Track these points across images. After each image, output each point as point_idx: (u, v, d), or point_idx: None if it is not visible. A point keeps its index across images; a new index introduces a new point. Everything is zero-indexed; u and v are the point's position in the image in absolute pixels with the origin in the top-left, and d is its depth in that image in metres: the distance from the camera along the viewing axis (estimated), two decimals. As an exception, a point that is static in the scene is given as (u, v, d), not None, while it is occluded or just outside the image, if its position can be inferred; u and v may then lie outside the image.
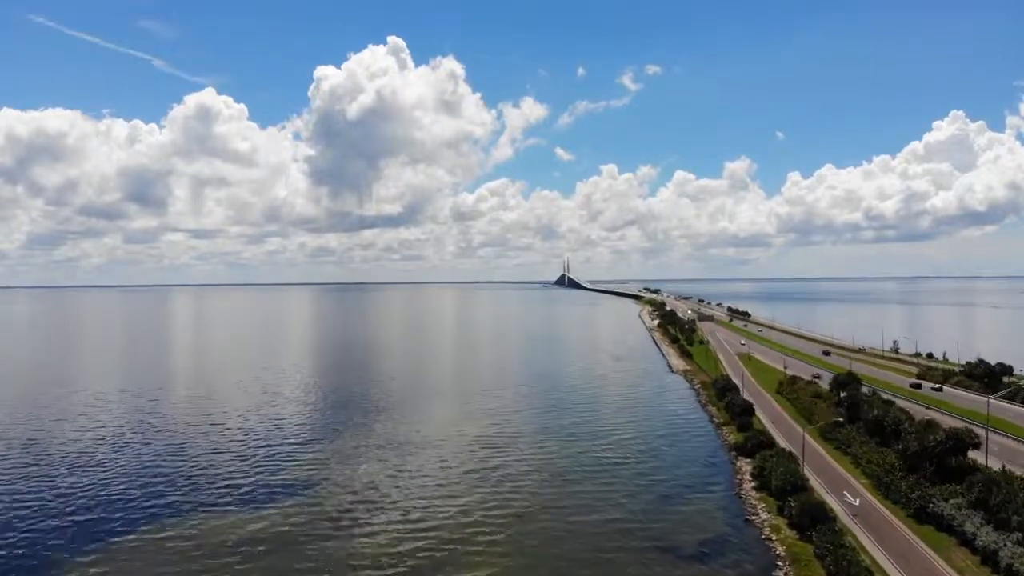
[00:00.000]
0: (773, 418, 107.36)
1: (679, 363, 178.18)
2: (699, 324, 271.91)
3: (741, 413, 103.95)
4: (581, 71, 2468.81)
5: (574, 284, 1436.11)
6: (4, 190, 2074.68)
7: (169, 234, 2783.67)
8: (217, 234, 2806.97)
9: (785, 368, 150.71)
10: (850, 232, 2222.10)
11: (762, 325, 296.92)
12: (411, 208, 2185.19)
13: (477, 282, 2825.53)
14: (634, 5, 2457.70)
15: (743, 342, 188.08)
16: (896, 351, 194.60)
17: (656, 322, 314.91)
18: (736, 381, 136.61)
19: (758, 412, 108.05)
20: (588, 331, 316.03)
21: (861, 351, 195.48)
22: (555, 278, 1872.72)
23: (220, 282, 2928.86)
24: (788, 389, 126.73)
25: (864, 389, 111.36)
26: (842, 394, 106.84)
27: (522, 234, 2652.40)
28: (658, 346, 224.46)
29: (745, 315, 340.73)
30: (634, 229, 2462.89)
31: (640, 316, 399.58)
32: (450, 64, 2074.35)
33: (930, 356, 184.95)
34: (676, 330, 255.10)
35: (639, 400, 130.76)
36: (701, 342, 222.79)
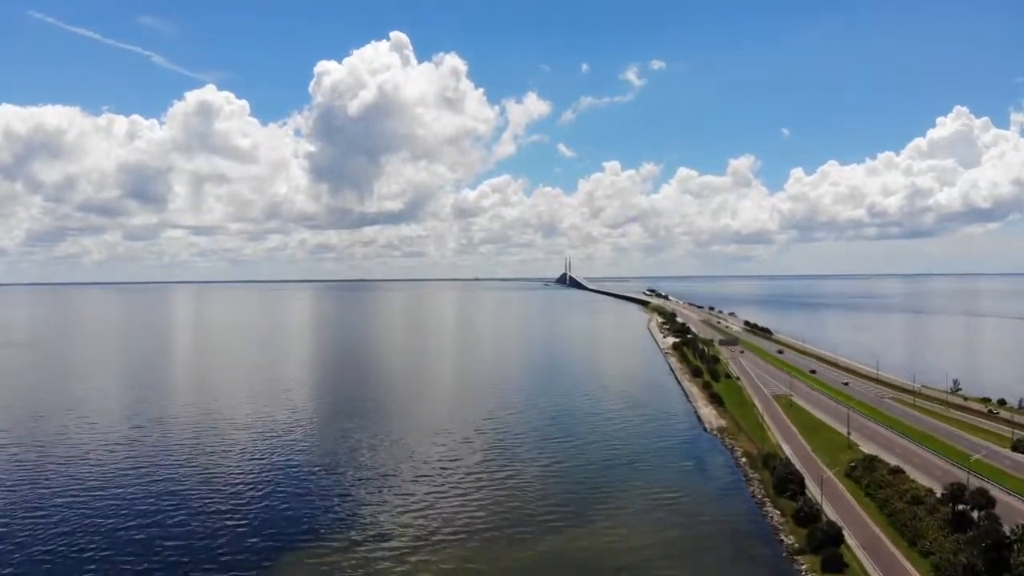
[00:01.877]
0: (866, 542, 78.71)
1: (710, 413, 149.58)
2: (720, 348, 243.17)
3: (824, 541, 75.56)
4: (585, 67, 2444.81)
5: (575, 284, 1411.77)
6: (3, 187, 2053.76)
7: (169, 231, 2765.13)
8: (217, 231, 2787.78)
9: (849, 434, 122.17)
10: (853, 229, 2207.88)
11: (789, 347, 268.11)
12: (412, 205, 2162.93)
13: (478, 279, 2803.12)
14: (638, 0, 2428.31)
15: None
16: (958, 391, 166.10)
17: (670, 341, 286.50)
18: (795, 459, 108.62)
19: (845, 533, 79.46)
20: (594, 352, 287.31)
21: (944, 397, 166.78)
22: (556, 275, 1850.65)
23: (221, 279, 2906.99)
24: (866, 476, 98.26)
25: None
26: (962, 509, 78.47)
27: (523, 231, 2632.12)
28: (678, 380, 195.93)
29: (766, 332, 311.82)
30: (636, 226, 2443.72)
31: (649, 328, 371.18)
32: (452, 60, 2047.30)
33: (1002, 403, 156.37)
34: (696, 358, 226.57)
35: (670, 489, 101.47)
36: (728, 375, 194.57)
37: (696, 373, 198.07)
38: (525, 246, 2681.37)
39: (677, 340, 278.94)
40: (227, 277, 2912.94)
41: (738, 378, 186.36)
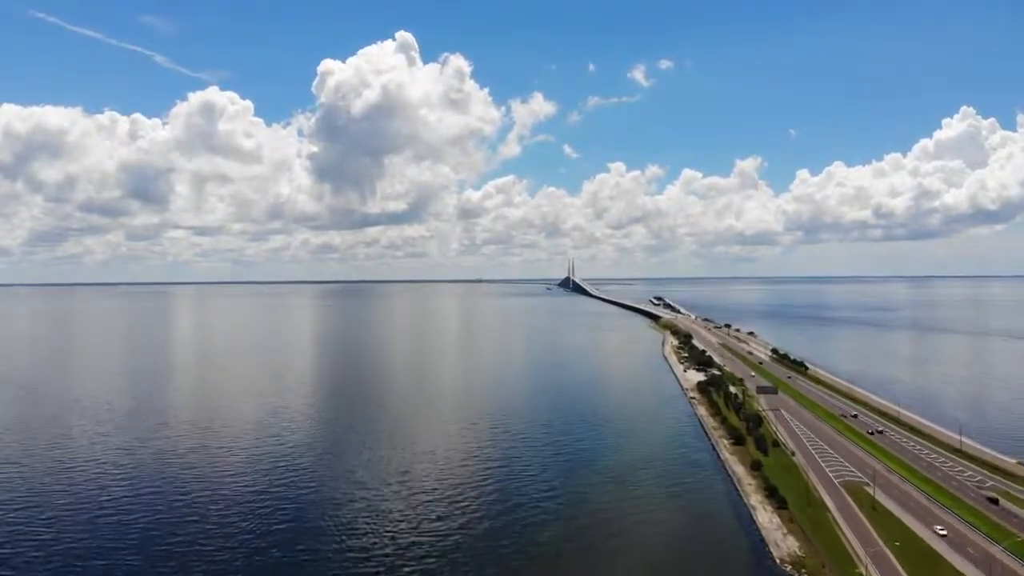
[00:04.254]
0: None
1: (772, 522, 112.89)
2: (759, 397, 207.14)
3: None
4: (592, 67, 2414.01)
5: (579, 289, 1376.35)
6: (4, 186, 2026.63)
7: (171, 231, 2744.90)
8: (220, 231, 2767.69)
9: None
10: (858, 230, 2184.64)
11: (830, 388, 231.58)
12: (416, 205, 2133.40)
13: (480, 280, 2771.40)
14: (647, 0, 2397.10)
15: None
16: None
17: (693, 378, 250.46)
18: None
19: None
20: (604, 392, 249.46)
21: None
22: (558, 276, 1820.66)
23: (223, 279, 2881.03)
24: None
25: None
26: None
27: (527, 231, 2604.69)
28: (714, 448, 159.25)
29: (800, 366, 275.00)
30: (640, 227, 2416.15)
31: (665, 356, 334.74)
32: (457, 61, 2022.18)
33: None
34: (730, 410, 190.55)
35: None
36: (776, 443, 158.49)
37: (737, 439, 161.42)
38: (528, 247, 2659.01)
39: (703, 379, 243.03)
40: (230, 278, 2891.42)
41: (794, 453, 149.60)
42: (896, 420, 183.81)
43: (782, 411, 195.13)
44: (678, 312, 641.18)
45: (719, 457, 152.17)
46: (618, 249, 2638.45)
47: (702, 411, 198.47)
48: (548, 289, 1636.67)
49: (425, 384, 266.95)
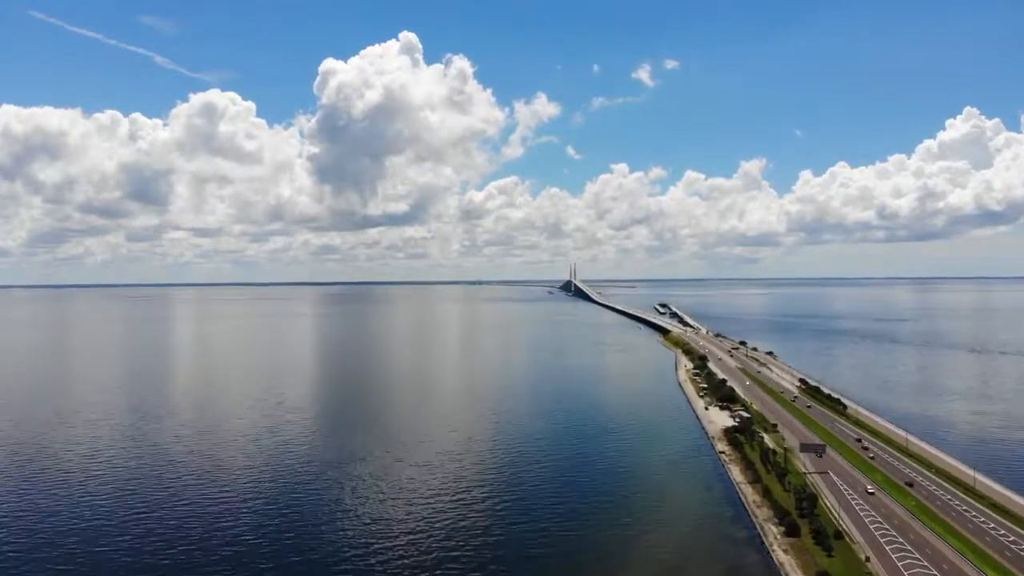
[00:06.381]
0: None
1: None
2: (804, 458, 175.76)
3: None
4: (596, 67, 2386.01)
5: (580, 293, 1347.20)
6: (3, 187, 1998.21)
7: (172, 232, 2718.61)
8: (220, 232, 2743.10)
9: None
10: (861, 231, 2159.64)
11: (871, 432, 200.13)
12: (417, 206, 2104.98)
13: (480, 282, 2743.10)
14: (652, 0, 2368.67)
15: None
16: None
17: (717, 418, 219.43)
18: None
19: None
20: (607, 449, 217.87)
21: None
22: (560, 277, 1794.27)
23: (224, 281, 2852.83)
24: None
25: None
26: None
27: (528, 233, 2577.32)
28: (762, 538, 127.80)
29: (838, 405, 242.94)
30: (642, 228, 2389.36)
31: (680, 382, 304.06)
32: (460, 62, 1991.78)
33: None
34: (773, 477, 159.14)
35: None
36: (839, 535, 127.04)
37: (788, 526, 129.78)
38: (529, 248, 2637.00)
39: (730, 423, 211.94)
40: (230, 279, 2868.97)
41: (868, 559, 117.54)
42: (971, 491, 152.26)
43: (831, 475, 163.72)
44: (687, 324, 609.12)
45: (771, 558, 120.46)
46: (620, 250, 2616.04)
47: (736, 474, 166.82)
48: (550, 293, 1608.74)
49: (393, 423, 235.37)
